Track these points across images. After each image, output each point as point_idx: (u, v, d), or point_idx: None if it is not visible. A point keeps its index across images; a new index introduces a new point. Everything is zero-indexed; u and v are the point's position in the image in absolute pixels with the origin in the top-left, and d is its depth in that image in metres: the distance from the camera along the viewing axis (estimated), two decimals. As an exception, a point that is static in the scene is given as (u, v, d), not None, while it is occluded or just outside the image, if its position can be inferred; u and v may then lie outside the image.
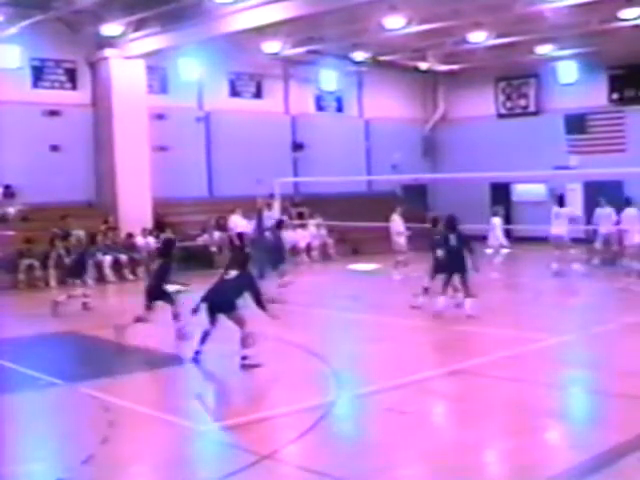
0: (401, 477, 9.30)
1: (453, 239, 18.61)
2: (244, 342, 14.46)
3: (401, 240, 26.11)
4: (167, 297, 17.13)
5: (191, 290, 20.88)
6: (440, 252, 18.86)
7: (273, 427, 11.02)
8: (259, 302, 14.70)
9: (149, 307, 16.73)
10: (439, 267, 19.06)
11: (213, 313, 14.66)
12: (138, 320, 16.60)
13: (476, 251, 18.98)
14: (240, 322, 14.58)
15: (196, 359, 14.73)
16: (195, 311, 14.84)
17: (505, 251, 27.49)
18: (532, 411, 11.25)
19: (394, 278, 25.24)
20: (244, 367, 14.21)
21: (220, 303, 14.61)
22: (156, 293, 16.93)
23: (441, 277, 19.00)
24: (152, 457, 10.00)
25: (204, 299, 14.75)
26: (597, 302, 21.20)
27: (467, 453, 9.66)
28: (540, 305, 21.41)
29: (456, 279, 18.94)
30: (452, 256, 18.49)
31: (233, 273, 15.07)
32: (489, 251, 27.33)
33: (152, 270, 16.84)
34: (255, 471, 9.17)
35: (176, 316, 17.02)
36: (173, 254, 17.52)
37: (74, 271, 21.59)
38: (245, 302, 14.72)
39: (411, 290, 20.59)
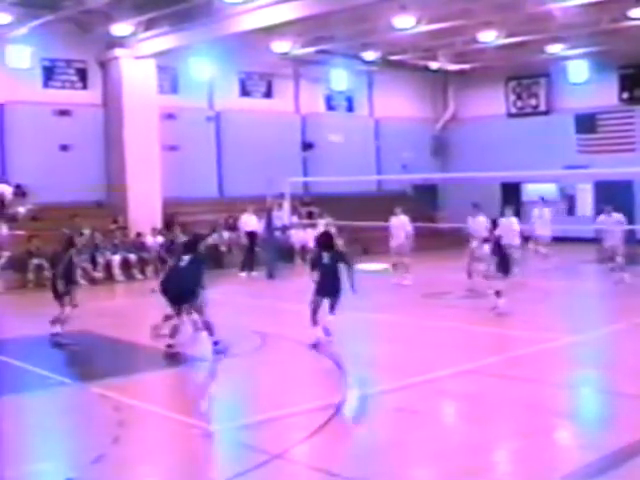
0: (412, 477, 9.30)
1: (326, 257, 16.05)
2: (210, 329, 15.23)
3: (409, 241, 25.63)
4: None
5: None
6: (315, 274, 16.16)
7: (284, 427, 11.00)
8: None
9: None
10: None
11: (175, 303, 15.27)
12: (167, 318, 16.49)
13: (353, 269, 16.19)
14: (200, 310, 15.18)
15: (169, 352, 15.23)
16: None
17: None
18: (543, 411, 11.23)
19: (404, 283, 24.92)
20: (217, 352, 14.95)
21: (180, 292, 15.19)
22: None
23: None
24: (162, 457, 10.01)
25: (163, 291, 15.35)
26: (605, 302, 21.14)
27: (478, 453, 9.65)
28: (550, 305, 21.36)
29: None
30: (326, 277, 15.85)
31: (186, 259, 15.49)
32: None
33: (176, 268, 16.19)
34: (266, 471, 9.17)
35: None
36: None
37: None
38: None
39: (421, 290, 20.63)
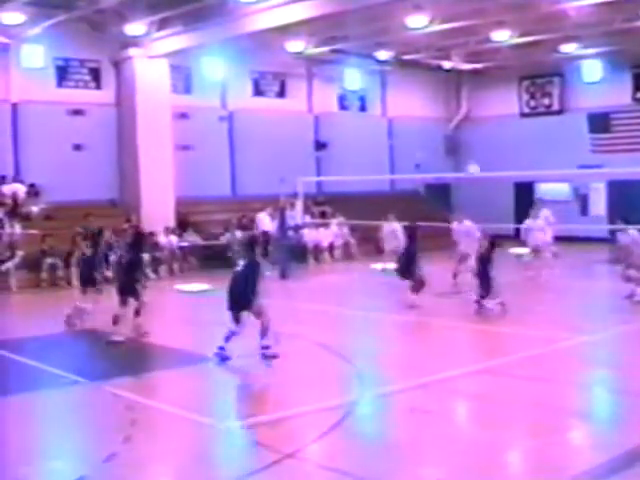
0: (424, 477, 9.30)
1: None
2: (263, 332, 14.63)
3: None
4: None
5: (216, 289, 21.01)
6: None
7: (296, 426, 11.02)
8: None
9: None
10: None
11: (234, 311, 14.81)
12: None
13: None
14: (259, 313, 14.72)
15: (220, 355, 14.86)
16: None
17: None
18: (555, 411, 11.22)
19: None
20: (265, 357, 14.43)
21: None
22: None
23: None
24: (174, 455, 10.03)
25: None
26: (619, 302, 21.08)
27: (490, 453, 9.65)
28: (563, 305, 21.33)
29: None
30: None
31: (241, 264, 15.15)
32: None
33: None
34: (277, 470, 9.18)
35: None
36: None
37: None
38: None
39: (433, 289, 20.66)
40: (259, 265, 15.27)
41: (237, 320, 14.72)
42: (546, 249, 25.74)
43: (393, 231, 26.96)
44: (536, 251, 25.86)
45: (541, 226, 25.74)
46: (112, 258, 27.27)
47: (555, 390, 12.44)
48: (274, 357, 14.43)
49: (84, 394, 12.86)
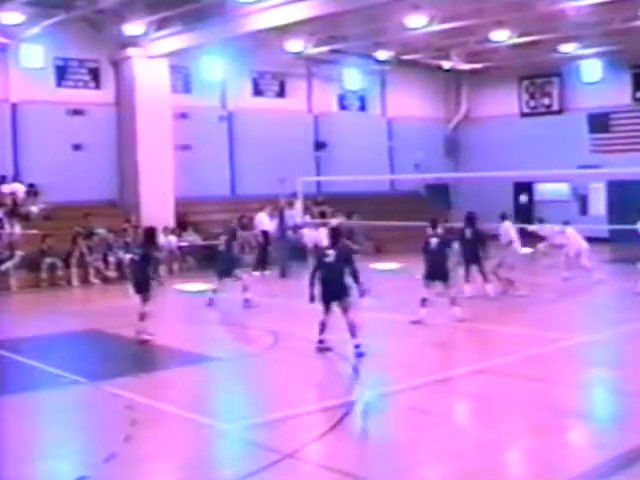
0: (424, 476, 9.31)
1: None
2: (353, 331, 14.91)
3: None
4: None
5: (218, 289, 21.03)
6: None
7: (296, 426, 11.01)
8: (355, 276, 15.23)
9: None
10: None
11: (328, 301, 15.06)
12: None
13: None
14: (346, 308, 14.98)
15: (319, 348, 15.15)
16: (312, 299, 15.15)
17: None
18: (555, 411, 11.22)
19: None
20: (360, 355, 14.61)
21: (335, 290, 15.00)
22: None
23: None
24: (175, 455, 10.03)
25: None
26: (619, 302, 21.09)
27: (490, 452, 9.65)
28: (563, 305, 21.33)
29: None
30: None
31: (331, 254, 15.22)
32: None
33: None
34: (277, 470, 9.18)
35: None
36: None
37: None
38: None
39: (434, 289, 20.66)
40: (349, 255, 15.59)
41: (328, 310, 15.07)
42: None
43: None
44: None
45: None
46: (111, 259, 27.56)
47: (555, 390, 12.44)
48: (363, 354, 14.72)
49: (84, 394, 12.84)
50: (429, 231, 18.66)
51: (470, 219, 22.04)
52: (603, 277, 23.99)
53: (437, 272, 18.12)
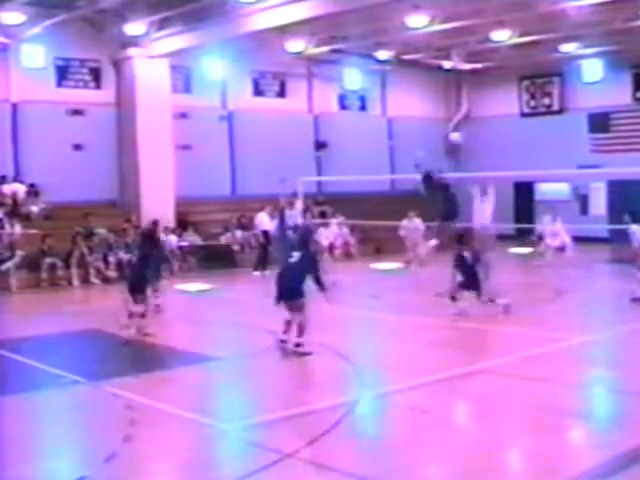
0: (424, 476, 9.31)
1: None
2: (300, 329, 14.97)
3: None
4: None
5: (219, 289, 21.03)
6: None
7: (295, 426, 11.02)
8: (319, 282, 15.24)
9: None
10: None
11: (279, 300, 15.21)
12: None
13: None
14: (300, 309, 15.01)
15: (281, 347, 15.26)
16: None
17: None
18: (555, 411, 11.22)
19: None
20: (295, 354, 14.83)
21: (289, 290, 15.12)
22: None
23: None
24: (174, 455, 10.03)
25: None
26: (619, 302, 21.10)
27: (489, 453, 9.65)
28: (563, 304, 21.32)
29: None
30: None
31: (296, 255, 15.34)
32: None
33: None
34: (277, 470, 9.18)
35: None
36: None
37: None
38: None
39: (433, 289, 20.66)
40: (314, 258, 15.66)
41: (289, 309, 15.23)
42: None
43: (416, 228, 28.60)
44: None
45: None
46: (111, 259, 27.56)
47: (555, 390, 12.44)
48: (306, 354, 14.90)
49: (84, 394, 12.84)
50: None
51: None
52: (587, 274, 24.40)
53: (472, 283, 18.83)
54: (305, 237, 16.26)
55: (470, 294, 18.82)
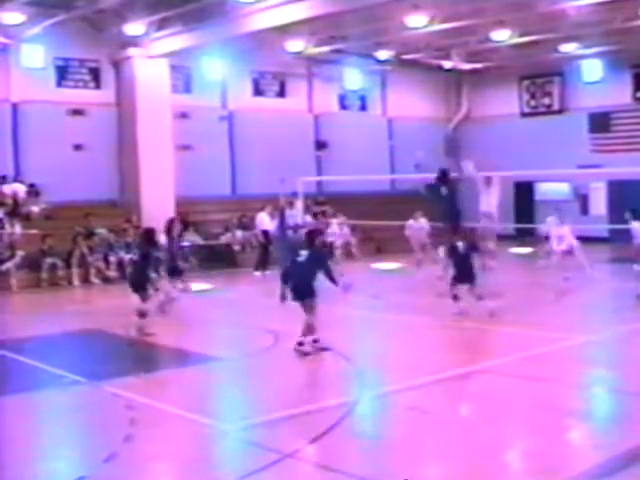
0: (424, 476, 9.30)
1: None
2: (309, 329, 14.98)
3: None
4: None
5: (219, 289, 21.02)
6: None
7: (295, 426, 11.01)
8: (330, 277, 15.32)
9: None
10: None
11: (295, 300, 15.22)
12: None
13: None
14: (313, 308, 15.03)
15: (317, 348, 15.21)
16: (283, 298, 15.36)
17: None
18: (555, 411, 11.21)
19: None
20: (296, 351, 14.85)
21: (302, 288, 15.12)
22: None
23: None
24: (175, 455, 10.02)
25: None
26: (619, 302, 21.09)
27: (489, 452, 9.64)
28: (563, 305, 21.33)
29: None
30: None
31: (304, 254, 15.35)
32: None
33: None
34: (277, 470, 9.17)
35: None
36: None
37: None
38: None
39: (434, 289, 20.66)
40: (323, 255, 15.96)
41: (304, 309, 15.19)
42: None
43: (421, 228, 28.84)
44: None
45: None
46: (112, 258, 27.57)
47: (555, 390, 12.43)
48: (306, 354, 14.90)
49: (84, 394, 12.84)
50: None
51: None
52: (599, 275, 24.04)
53: (466, 275, 18.65)
54: (312, 235, 16.22)
55: (463, 287, 18.73)
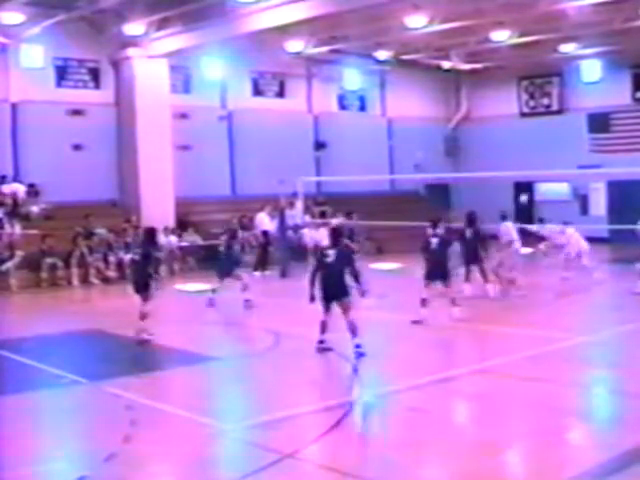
0: (424, 477, 9.30)
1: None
2: (354, 330, 14.85)
3: None
4: None
5: (220, 288, 21.00)
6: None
7: (296, 426, 11.00)
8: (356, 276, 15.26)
9: None
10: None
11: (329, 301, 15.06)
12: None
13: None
14: (350, 307, 14.97)
15: (319, 348, 15.14)
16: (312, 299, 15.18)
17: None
18: (555, 411, 11.21)
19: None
20: (360, 355, 14.59)
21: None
22: None
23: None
24: (174, 456, 10.02)
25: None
26: (619, 302, 21.10)
27: (490, 453, 9.64)
28: (563, 305, 21.33)
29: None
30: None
31: (331, 253, 15.28)
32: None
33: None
34: (277, 470, 9.17)
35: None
36: None
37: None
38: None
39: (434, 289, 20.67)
40: (349, 254, 15.94)
41: (328, 310, 15.09)
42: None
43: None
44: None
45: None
46: (111, 259, 27.57)
47: (555, 390, 12.43)
48: (363, 354, 14.70)
49: (84, 394, 12.85)
50: (429, 231, 18.71)
51: (470, 219, 22.17)
52: (603, 277, 24.04)
53: (437, 272, 18.19)
54: (336, 234, 16.17)
55: (436, 286, 18.36)
